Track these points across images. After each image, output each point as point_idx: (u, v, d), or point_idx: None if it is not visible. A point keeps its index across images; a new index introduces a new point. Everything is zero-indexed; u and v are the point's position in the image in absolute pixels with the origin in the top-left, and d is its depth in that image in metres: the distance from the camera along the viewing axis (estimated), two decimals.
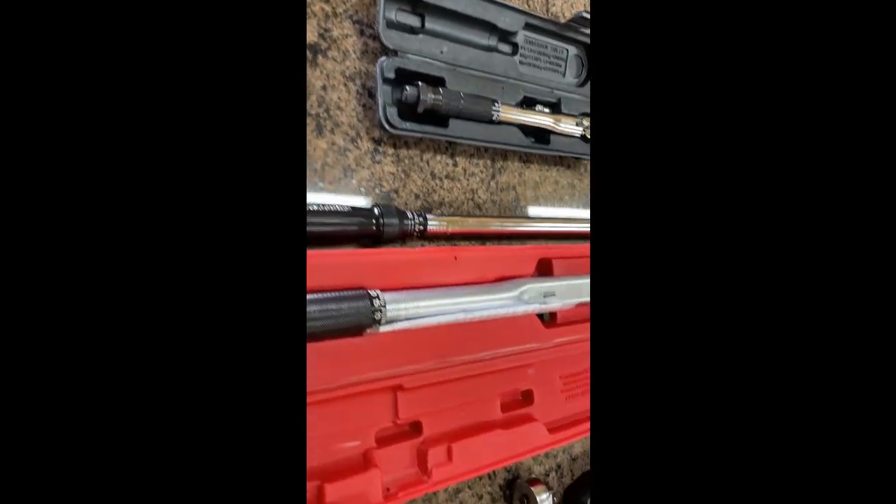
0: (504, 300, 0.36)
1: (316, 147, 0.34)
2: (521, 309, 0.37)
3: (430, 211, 0.39)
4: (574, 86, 0.47)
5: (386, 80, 0.35)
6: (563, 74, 0.47)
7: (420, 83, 0.35)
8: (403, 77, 0.36)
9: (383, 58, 0.35)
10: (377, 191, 0.37)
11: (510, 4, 0.40)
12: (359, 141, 0.36)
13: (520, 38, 0.42)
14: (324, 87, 0.34)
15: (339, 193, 0.35)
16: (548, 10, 0.49)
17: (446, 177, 0.40)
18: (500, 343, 0.37)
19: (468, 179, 0.42)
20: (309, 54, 0.34)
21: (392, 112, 0.35)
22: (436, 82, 0.37)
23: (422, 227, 0.35)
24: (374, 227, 0.33)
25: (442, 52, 0.38)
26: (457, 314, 0.33)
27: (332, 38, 0.35)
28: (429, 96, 0.35)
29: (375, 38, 0.36)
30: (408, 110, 0.35)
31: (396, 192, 0.38)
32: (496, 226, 0.41)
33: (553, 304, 0.39)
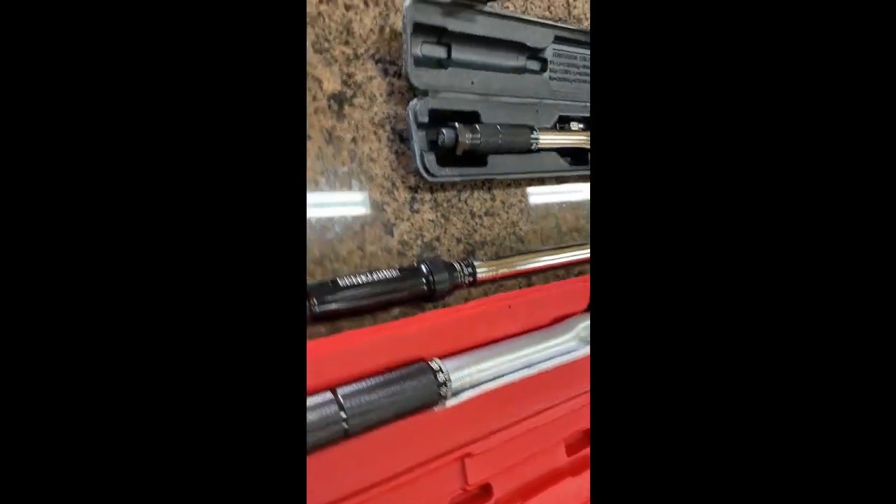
0: (564, 344, 0.35)
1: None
2: (583, 352, 0.35)
3: (473, 253, 0.37)
4: None
5: (420, 125, 0.32)
6: None
7: (457, 124, 0.32)
8: (436, 117, 0.33)
9: (414, 101, 0.32)
10: (419, 242, 0.34)
11: (538, 19, 0.37)
12: (395, 192, 0.33)
13: (548, 53, 0.39)
14: (353, 140, 0.32)
15: (382, 252, 0.32)
16: (569, 14, 0.45)
17: (486, 213, 0.38)
18: (563, 388, 0.35)
19: (507, 212, 0.39)
20: (335, 105, 0.31)
21: (430, 159, 0.32)
22: (470, 118, 0.34)
23: (471, 278, 0.33)
24: (426, 287, 0.31)
25: (472, 84, 0.35)
26: (521, 371, 0.31)
27: (356, 84, 0.32)
28: (467, 137, 0.32)
29: (400, 75, 0.33)
30: (445, 154, 0.33)
31: (438, 239, 0.35)
32: (543, 260, 0.38)
33: None
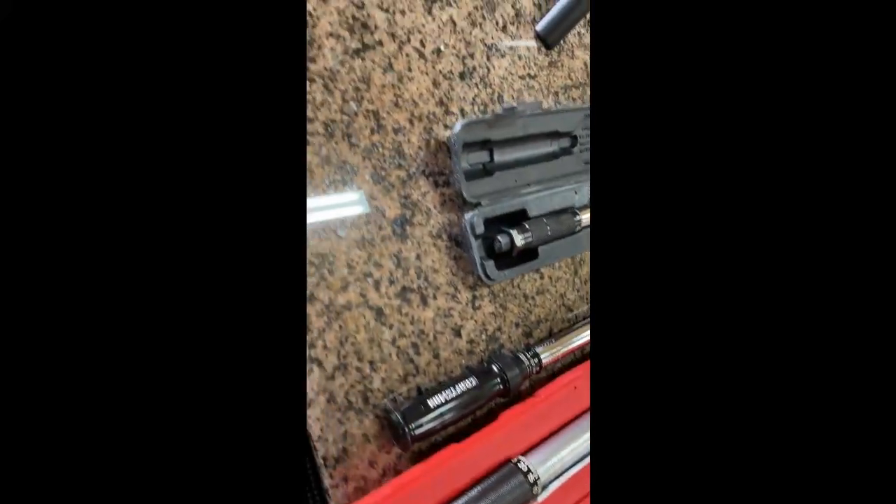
0: None
1: (424, 319, 0.34)
2: None
3: (531, 334, 0.39)
4: None
5: (477, 236, 0.34)
6: None
7: (512, 231, 0.34)
8: (489, 222, 0.35)
9: (469, 214, 0.34)
10: (483, 336, 0.37)
11: (568, 108, 0.39)
12: (458, 295, 0.35)
13: (577, 130, 0.41)
14: (418, 257, 0.34)
15: (454, 355, 0.35)
16: (589, 77, 0.47)
17: (537, 293, 0.40)
18: None
19: (556, 286, 0.42)
20: (397, 228, 0.33)
21: (490, 266, 0.34)
22: (519, 216, 0.36)
23: (538, 366, 0.36)
24: (502, 387, 0.33)
25: (515, 182, 0.37)
26: None
27: (413, 203, 0.34)
28: (520, 240, 0.34)
29: (449, 184, 0.35)
30: (501, 256, 0.35)
31: (499, 329, 0.38)
32: None
33: None
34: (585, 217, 0.39)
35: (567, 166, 0.40)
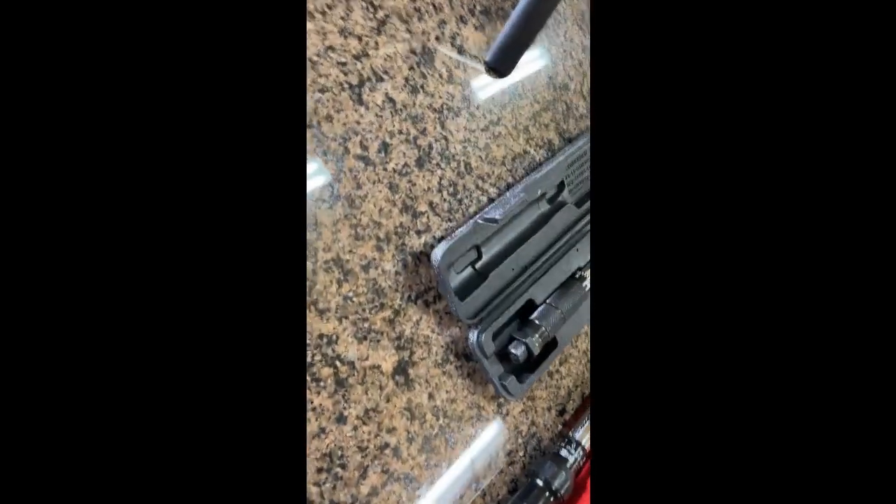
0: None
1: (455, 459, 0.31)
2: None
3: (564, 410, 0.37)
4: None
5: (488, 356, 0.30)
6: None
7: (526, 340, 0.30)
8: (496, 334, 0.31)
9: (473, 334, 0.30)
10: (519, 440, 0.34)
11: (548, 162, 0.33)
12: (483, 412, 0.32)
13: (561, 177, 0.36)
14: (430, 397, 0.30)
15: (498, 480, 0.32)
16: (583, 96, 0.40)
17: (560, 364, 0.37)
18: None
19: (577, 348, 0.38)
20: (399, 379, 0.29)
21: (510, 382, 0.31)
22: (527, 310, 0.32)
23: (584, 457, 0.33)
24: (553, 499, 0.31)
25: (513, 270, 0.32)
26: None
27: (408, 340, 0.30)
28: (536, 343, 0.31)
29: (440, 297, 0.31)
30: (519, 365, 0.31)
31: (533, 423, 0.35)
32: None
33: None
34: (588, 272, 0.35)
35: (561, 222, 0.35)
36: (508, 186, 0.35)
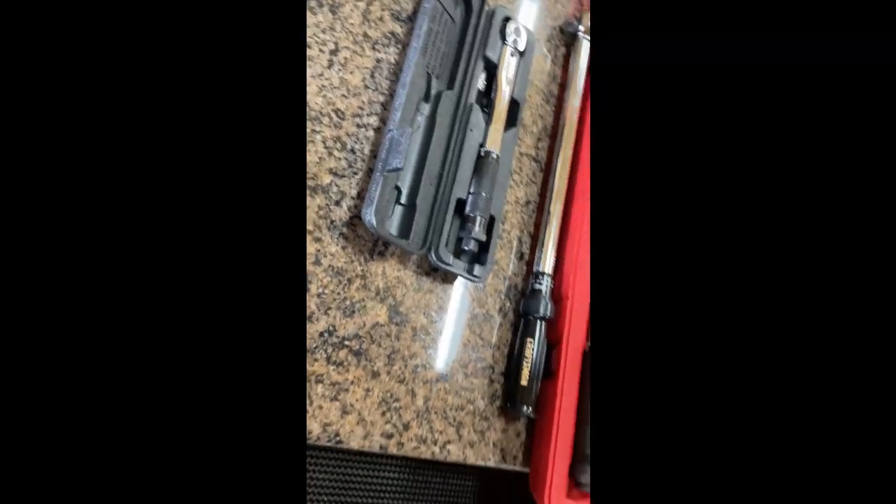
0: None
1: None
2: None
3: (522, 255, 0.44)
4: None
5: (449, 263, 0.35)
6: None
7: (472, 235, 0.35)
8: (448, 241, 0.35)
9: (431, 255, 0.34)
10: (503, 297, 0.41)
11: (408, 62, 0.33)
12: (468, 297, 0.39)
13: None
14: (425, 314, 0.36)
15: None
16: None
17: (503, 224, 0.43)
18: None
19: (507, 202, 0.44)
20: (396, 318, 0.34)
21: (476, 269, 0.36)
22: (461, 205, 0.36)
23: (551, 279, 0.42)
24: (544, 322, 0.40)
25: (432, 184, 0.35)
26: None
27: (385, 289, 0.34)
28: (479, 232, 0.35)
29: (395, 252, 0.34)
30: (476, 253, 0.37)
31: (505, 278, 0.42)
32: None
33: None
34: (489, 142, 0.38)
35: (446, 113, 0.37)
36: (384, 106, 0.35)
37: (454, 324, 0.38)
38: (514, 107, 0.40)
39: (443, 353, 0.37)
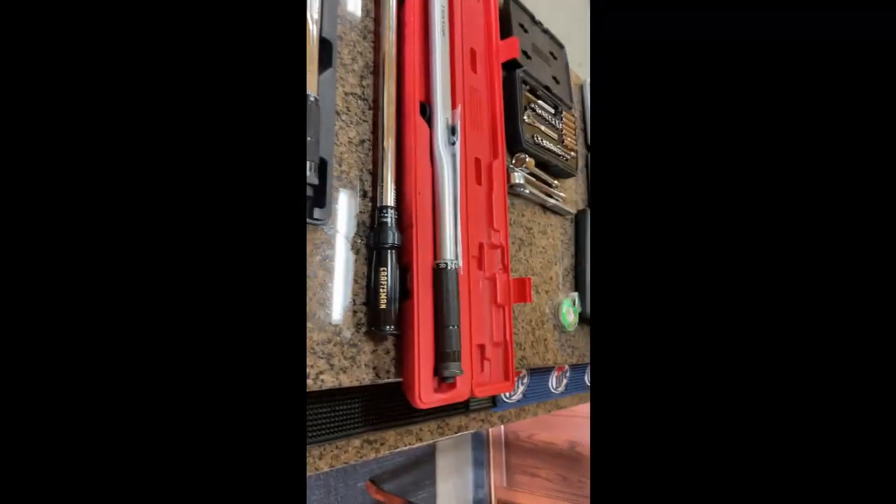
0: None
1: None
2: None
3: (365, 193, 0.46)
4: None
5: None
6: None
7: (307, 182, 0.36)
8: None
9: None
10: (353, 236, 0.44)
11: None
12: (321, 249, 0.40)
13: None
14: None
15: None
16: None
17: (339, 164, 0.44)
18: None
19: (335, 144, 0.45)
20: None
21: (315, 211, 0.38)
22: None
23: (395, 210, 0.45)
24: (395, 251, 0.44)
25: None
26: None
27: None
28: (311, 176, 0.37)
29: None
30: (314, 196, 0.38)
31: (349, 217, 0.44)
32: None
33: None
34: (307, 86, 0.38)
35: None
36: None
37: (310, 267, 0.40)
38: (327, 46, 0.40)
39: (316, 318, 0.39)
